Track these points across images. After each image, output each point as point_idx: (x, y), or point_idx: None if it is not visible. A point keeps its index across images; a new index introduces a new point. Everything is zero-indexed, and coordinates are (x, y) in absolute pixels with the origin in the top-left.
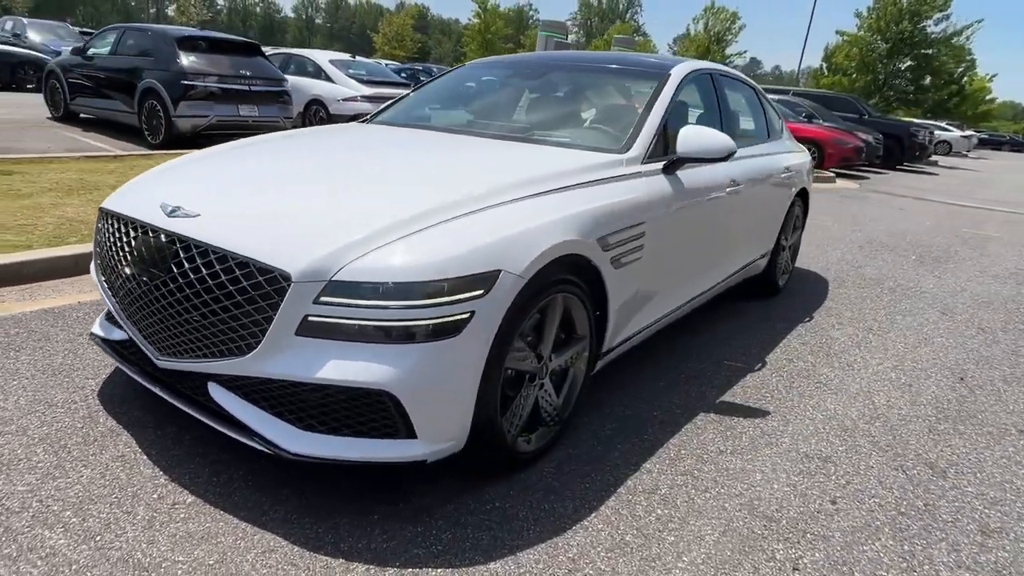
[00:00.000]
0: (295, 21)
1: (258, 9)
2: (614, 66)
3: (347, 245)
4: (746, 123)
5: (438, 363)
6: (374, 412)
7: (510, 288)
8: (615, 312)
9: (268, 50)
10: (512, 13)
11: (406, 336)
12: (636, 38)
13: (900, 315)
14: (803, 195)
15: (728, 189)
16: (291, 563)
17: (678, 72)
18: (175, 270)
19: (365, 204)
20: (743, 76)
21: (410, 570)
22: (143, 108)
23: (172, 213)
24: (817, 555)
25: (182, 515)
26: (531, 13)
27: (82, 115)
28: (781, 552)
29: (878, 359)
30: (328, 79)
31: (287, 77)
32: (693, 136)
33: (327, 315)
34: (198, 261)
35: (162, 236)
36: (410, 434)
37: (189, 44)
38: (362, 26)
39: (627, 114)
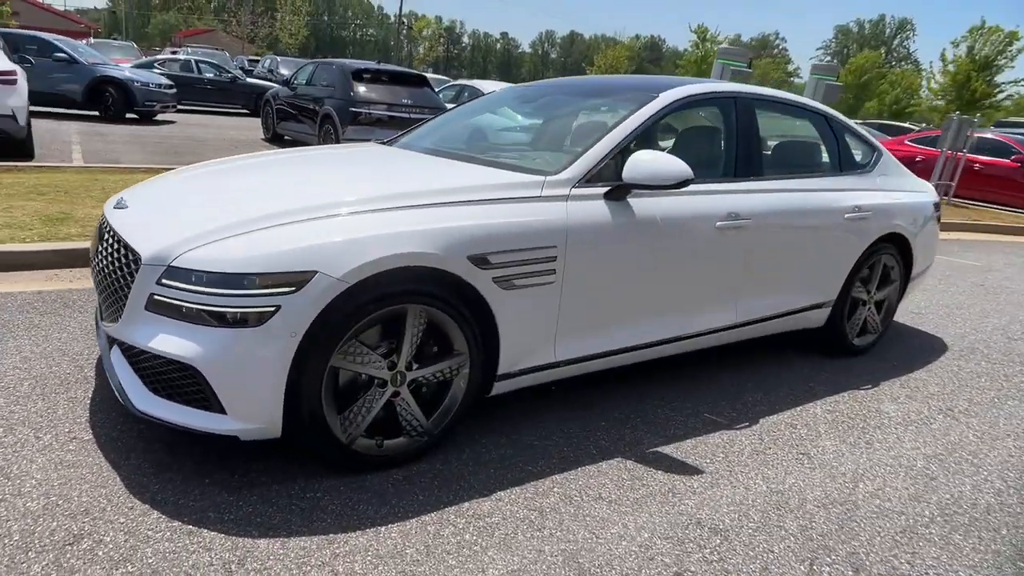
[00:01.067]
0: (531, 56)
1: (498, 46)
2: (609, 89)
3: (187, 238)
4: (797, 153)
5: (242, 348)
6: (191, 385)
7: (325, 289)
8: (511, 335)
9: (454, 81)
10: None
11: (216, 319)
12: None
13: (1016, 400)
14: (896, 241)
15: (722, 223)
16: (117, 496)
17: (667, 96)
18: (101, 248)
19: (233, 207)
20: (807, 102)
21: (198, 527)
22: (321, 131)
23: (117, 205)
24: None
25: (71, 447)
26: (777, 42)
27: (285, 137)
28: None
29: (920, 443)
30: None
31: (449, 105)
32: (643, 162)
33: (165, 295)
34: (110, 242)
35: (104, 222)
36: (221, 409)
37: (363, 76)
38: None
39: (592, 137)
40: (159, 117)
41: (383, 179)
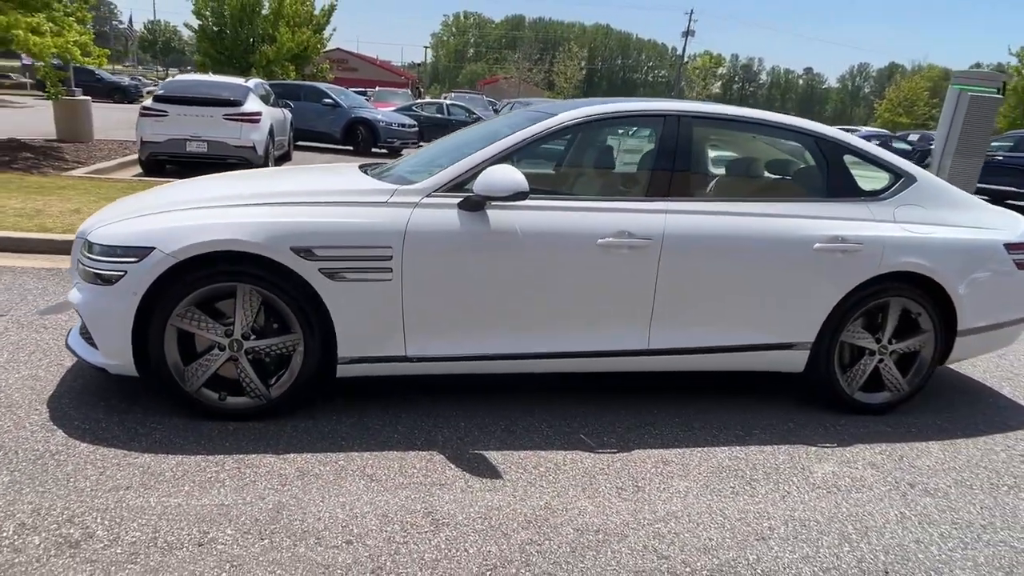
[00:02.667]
0: (837, 92)
1: (800, 81)
2: (548, 111)
3: (104, 219)
4: (756, 175)
5: (101, 300)
6: (85, 328)
7: (158, 262)
8: (346, 322)
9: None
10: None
11: (92, 278)
12: None
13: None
14: (919, 282)
15: (606, 240)
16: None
17: (563, 117)
18: None
19: (154, 201)
20: (784, 121)
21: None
22: None
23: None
24: None
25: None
26: None
27: None
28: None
29: (784, 510)
30: None
31: None
32: (490, 175)
33: (85, 262)
34: None
35: None
36: (95, 346)
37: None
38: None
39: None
40: (403, 151)
41: (268, 185)
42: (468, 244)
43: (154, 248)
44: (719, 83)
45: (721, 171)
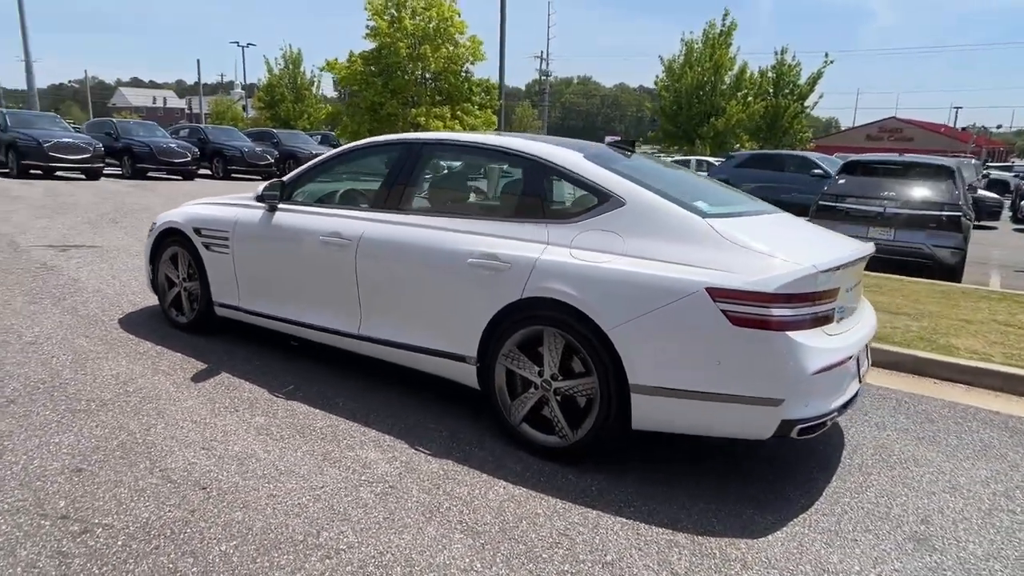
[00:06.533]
0: None
1: None
2: None
3: None
4: (450, 192)
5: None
6: None
7: (157, 228)
8: (212, 276)
9: None
10: None
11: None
12: None
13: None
14: (578, 317)
15: (325, 238)
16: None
17: (350, 145)
18: None
19: None
20: (506, 144)
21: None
22: None
23: None
24: None
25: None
26: None
27: None
28: None
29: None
30: None
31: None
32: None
33: None
34: None
35: None
36: None
37: (854, 167)
38: None
39: None
40: None
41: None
42: (262, 233)
43: (158, 222)
44: None
45: (438, 189)
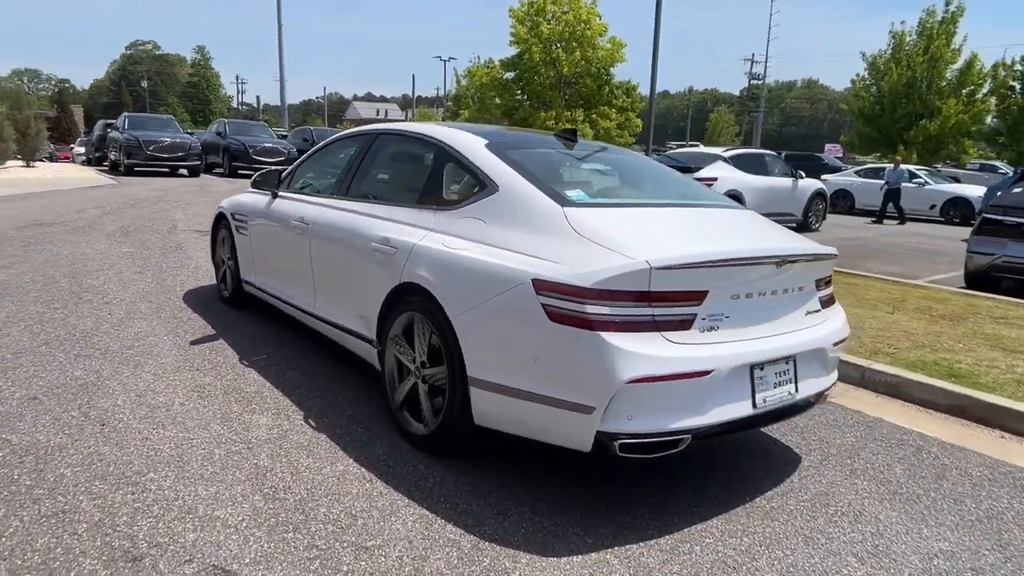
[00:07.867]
0: None
1: None
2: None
3: None
4: (379, 180)
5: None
6: None
7: (215, 213)
8: (242, 256)
9: None
10: None
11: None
12: None
13: None
14: (433, 303)
15: (295, 222)
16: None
17: (333, 136)
18: None
19: None
20: (422, 132)
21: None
22: None
23: None
24: None
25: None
26: None
27: None
28: None
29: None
30: None
31: None
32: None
33: None
34: None
35: None
36: None
37: None
38: None
39: None
40: None
41: None
42: (265, 218)
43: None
44: None
45: (373, 176)
